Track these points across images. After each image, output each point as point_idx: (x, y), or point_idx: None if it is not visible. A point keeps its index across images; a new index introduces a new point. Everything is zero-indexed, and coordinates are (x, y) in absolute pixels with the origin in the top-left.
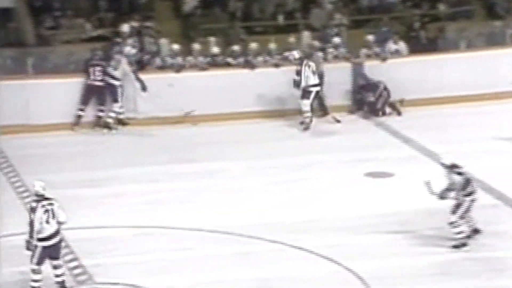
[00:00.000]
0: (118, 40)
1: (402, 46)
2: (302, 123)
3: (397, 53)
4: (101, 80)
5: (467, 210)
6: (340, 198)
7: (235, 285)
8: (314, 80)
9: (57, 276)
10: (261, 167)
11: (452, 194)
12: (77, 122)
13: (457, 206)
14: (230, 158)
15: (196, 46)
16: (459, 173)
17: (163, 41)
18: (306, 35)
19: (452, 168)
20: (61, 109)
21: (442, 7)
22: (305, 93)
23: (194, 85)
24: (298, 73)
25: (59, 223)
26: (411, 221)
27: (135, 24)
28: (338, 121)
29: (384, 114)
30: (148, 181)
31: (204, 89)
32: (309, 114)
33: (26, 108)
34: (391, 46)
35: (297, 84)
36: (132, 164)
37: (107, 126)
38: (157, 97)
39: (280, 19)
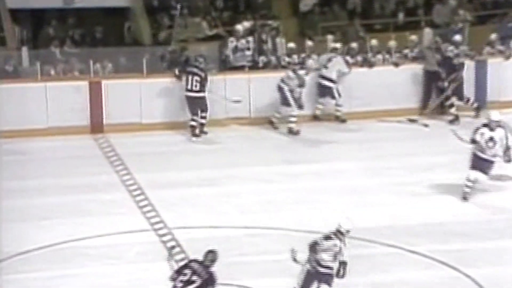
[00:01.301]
0: (232, 39)
1: None
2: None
3: None
4: (199, 91)
5: None
6: (459, 201)
7: None
8: None
9: None
10: (379, 168)
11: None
12: (194, 133)
13: None
14: (346, 158)
15: (309, 43)
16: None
17: (280, 40)
18: (427, 32)
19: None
20: (173, 108)
21: None
22: None
23: (310, 83)
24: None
25: None
26: None
27: (251, 23)
28: (426, 126)
29: None
30: (262, 181)
31: None
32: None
33: (139, 107)
34: None
35: None
36: (245, 164)
37: (291, 131)
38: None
39: (401, 16)
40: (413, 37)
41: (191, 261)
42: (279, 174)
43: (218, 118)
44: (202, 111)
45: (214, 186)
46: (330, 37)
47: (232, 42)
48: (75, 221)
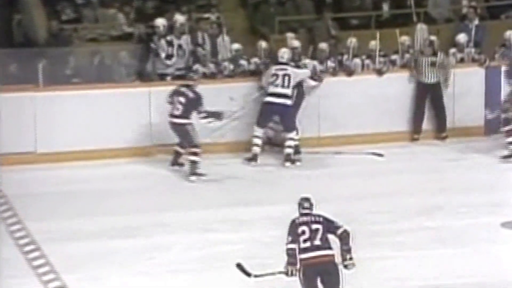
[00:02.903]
0: (153, 45)
1: None
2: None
3: None
4: (182, 116)
5: None
6: (470, 257)
7: None
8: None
9: None
10: (356, 211)
11: None
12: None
13: None
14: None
15: (263, 45)
16: None
17: (225, 39)
18: (421, 29)
19: None
20: (81, 132)
21: None
22: None
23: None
24: None
25: None
26: None
27: (185, 16)
28: (380, 155)
29: None
30: (200, 231)
31: None
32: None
33: (33, 130)
34: None
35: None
36: (178, 207)
37: (288, 159)
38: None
39: (386, 9)
40: (405, 38)
41: (293, 221)
42: (223, 220)
43: (140, 145)
44: (191, 145)
45: (135, 238)
46: (290, 35)
47: (153, 43)
48: None
